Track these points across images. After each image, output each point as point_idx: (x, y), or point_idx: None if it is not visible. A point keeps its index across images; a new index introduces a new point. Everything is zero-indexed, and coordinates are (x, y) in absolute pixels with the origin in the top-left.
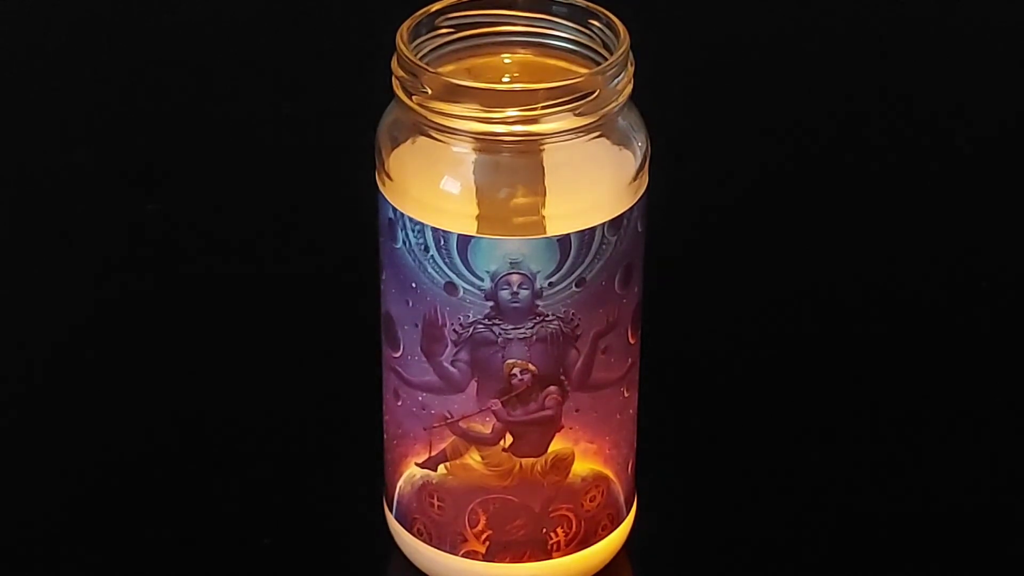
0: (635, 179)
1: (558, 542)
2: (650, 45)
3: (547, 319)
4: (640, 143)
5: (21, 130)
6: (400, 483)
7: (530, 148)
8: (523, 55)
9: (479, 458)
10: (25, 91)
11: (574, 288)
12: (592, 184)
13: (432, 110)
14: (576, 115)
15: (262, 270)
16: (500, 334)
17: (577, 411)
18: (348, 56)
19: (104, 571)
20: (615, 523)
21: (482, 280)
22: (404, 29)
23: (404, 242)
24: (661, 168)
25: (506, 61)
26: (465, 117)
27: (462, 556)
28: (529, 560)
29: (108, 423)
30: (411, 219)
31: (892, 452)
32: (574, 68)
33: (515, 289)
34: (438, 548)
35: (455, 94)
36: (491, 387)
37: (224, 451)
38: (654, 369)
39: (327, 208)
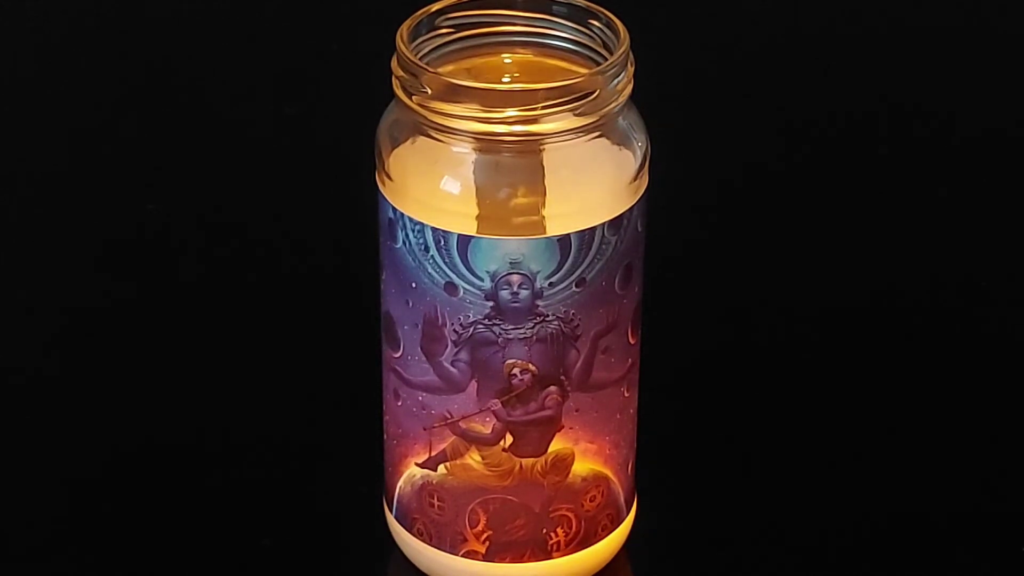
0: (635, 179)
1: (558, 542)
2: (650, 45)
3: (547, 319)
4: (640, 143)
5: (21, 130)
6: (400, 483)
7: (530, 148)
8: (523, 55)
9: (479, 458)
10: (25, 91)
11: (574, 288)
12: (592, 184)
13: (432, 110)
14: (576, 115)
15: (262, 270)
16: (500, 334)
17: (577, 411)
18: (348, 56)
19: (104, 571)
20: (615, 523)
21: (482, 280)
22: (404, 29)
23: (404, 242)
24: (661, 168)
25: (506, 61)
26: (465, 117)
27: (462, 556)
28: (529, 560)
29: (107, 422)
30: (411, 219)
31: (893, 452)
32: (574, 68)
33: (515, 289)
34: (438, 548)
35: (455, 94)
36: (491, 387)
37: (224, 451)
38: (654, 369)
39: (327, 208)
